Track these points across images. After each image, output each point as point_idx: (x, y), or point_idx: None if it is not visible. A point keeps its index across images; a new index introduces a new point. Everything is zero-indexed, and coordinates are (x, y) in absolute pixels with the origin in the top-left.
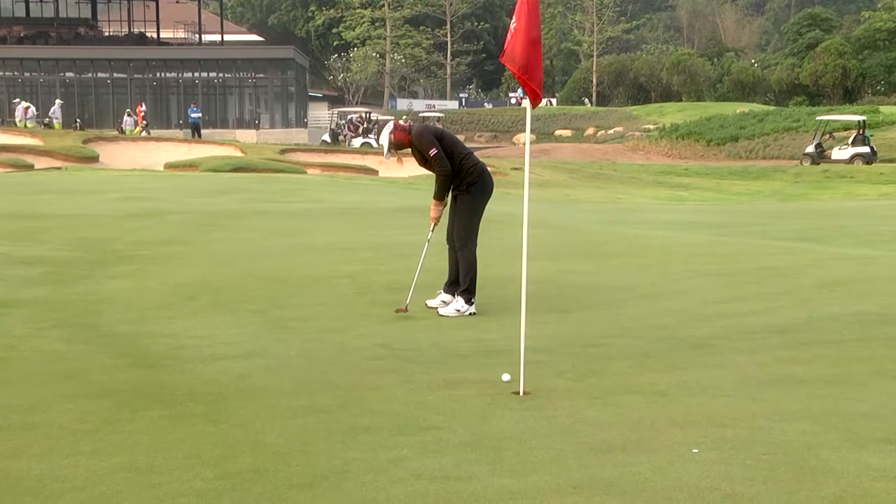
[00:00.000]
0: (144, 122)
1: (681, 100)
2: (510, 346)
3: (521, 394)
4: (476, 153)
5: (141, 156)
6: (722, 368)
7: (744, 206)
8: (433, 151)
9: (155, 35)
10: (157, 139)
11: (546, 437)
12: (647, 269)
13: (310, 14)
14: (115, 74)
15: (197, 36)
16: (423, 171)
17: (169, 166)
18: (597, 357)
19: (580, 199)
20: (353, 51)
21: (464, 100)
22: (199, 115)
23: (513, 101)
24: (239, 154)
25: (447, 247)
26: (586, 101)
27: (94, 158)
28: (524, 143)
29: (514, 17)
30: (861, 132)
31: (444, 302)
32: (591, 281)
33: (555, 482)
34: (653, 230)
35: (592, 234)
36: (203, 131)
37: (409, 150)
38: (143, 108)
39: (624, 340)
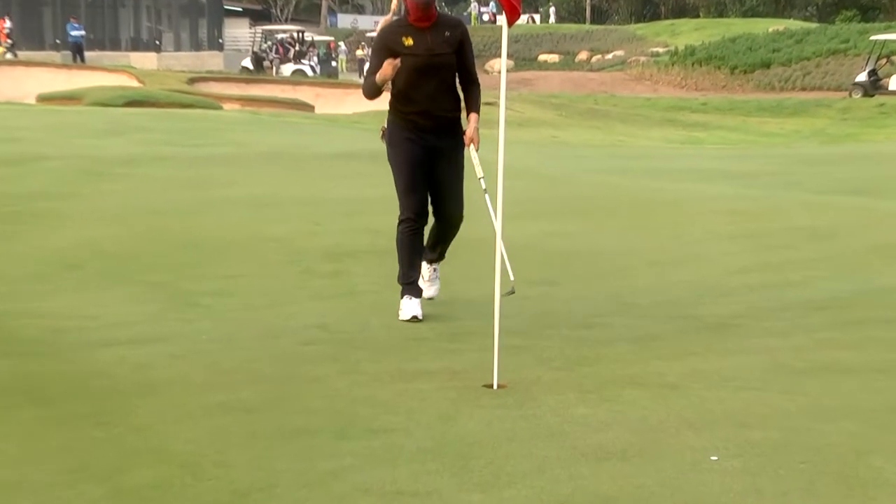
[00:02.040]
0: (9, 41)
1: (698, 15)
2: (482, 327)
3: (496, 387)
4: None
5: (5, 85)
6: (747, 354)
7: (777, 151)
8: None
9: None
10: (26, 63)
11: (526, 441)
12: (653, 230)
13: None
14: None
15: None
16: (371, 107)
17: (43, 99)
18: (590, 341)
19: (570, 143)
20: None
21: None
22: (82, 33)
23: (484, 17)
24: (135, 84)
25: (414, 223)
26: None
27: None
28: (499, 72)
29: None
30: None
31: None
32: (583, 245)
33: (536, 498)
34: (661, 181)
35: (585, 186)
36: (87, 54)
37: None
38: (7, 23)
39: (624, 320)
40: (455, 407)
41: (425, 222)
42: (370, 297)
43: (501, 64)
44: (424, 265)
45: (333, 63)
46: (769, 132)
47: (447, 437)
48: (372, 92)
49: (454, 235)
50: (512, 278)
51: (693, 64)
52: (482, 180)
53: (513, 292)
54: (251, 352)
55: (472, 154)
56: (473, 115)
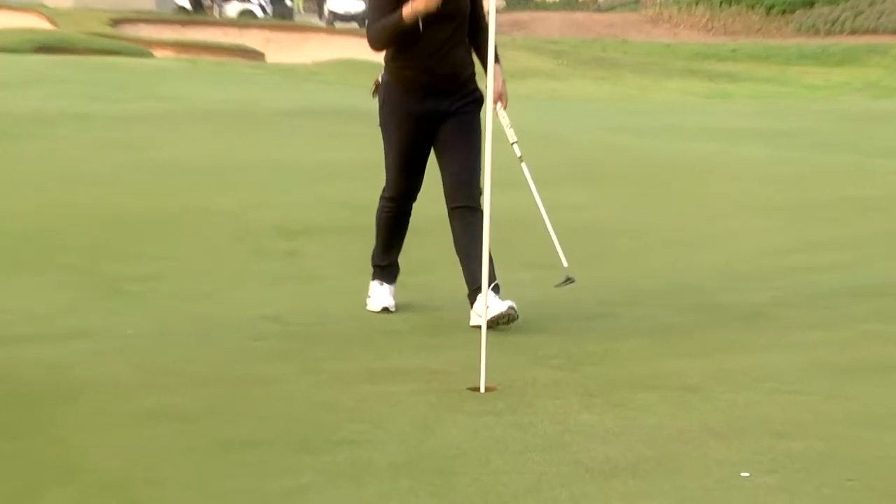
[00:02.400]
0: None
1: None
2: (466, 319)
3: (483, 390)
4: None
5: None
6: (784, 351)
7: (820, 106)
8: None
9: None
10: None
11: (519, 454)
12: (671, 201)
13: None
14: None
15: None
16: (334, 55)
17: None
18: (596, 335)
19: (573, 97)
20: None
21: None
22: None
23: None
24: (46, 26)
25: (398, 210)
26: None
27: None
28: (487, 12)
29: None
30: None
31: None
32: (587, 220)
33: None
34: (681, 143)
35: (590, 148)
36: None
37: None
38: None
39: (637, 310)
40: (434, 413)
41: (412, 203)
42: (332, 283)
43: (490, 2)
44: (492, 296)
45: (288, 2)
46: (811, 84)
47: (425, 450)
48: (391, 36)
49: (481, 231)
50: (565, 264)
51: (721, 3)
52: (516, 146)
53: (571, 280)
54: (189, 349)
55: (500, 115)
56: (497, 68)
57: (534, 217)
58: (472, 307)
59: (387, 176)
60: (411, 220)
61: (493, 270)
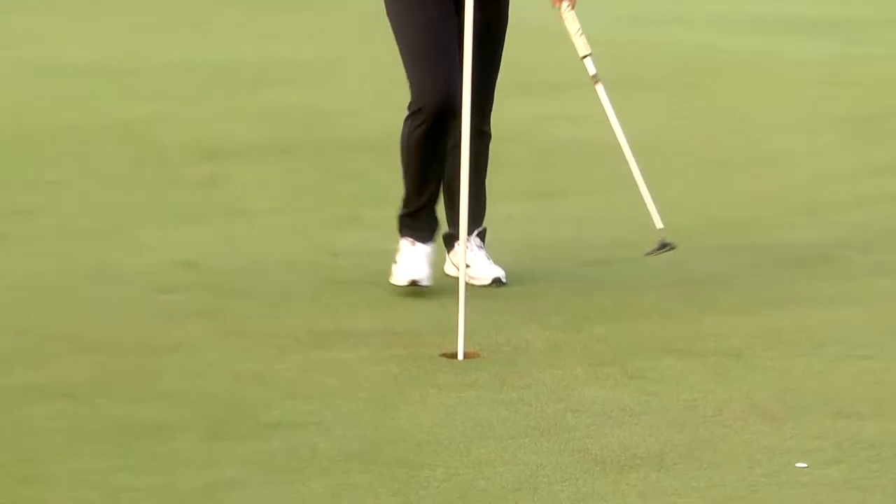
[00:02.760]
0: None
1: None
2: (440, 265)
3: (461, 357)
4: None
5: None
6: (852, 305)
7: None
8: None
9: None
10: None
11: (508, 441)
12: (709, 112)
13: None
14: None
15: None
16: None
17: None
18: (608, 285)
19: None
20: None
21: None
22: None
23: None
24: None
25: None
26: None
27: None
28: None
29: None
30: None
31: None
32: (599, 136)
33: None
34: (721, 35)
35: (603, 42)
36: None
37: None
38: None
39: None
40: (397, 388)
41: (449, 116)
42: (266, 219)
43: None
44: (476, 250)
45: None
46: None
47: (385, 435)
48: None
49: (485, 161)
50: (660, 225)
51: None
52: (588, 61)
53: (668, 247)
54: (76, 304)
55: (566, 17)
56: None
57: (529, 131)
58: (448, 252)
59: (409, 81)
60: (366, 134)
61: (483, 208)
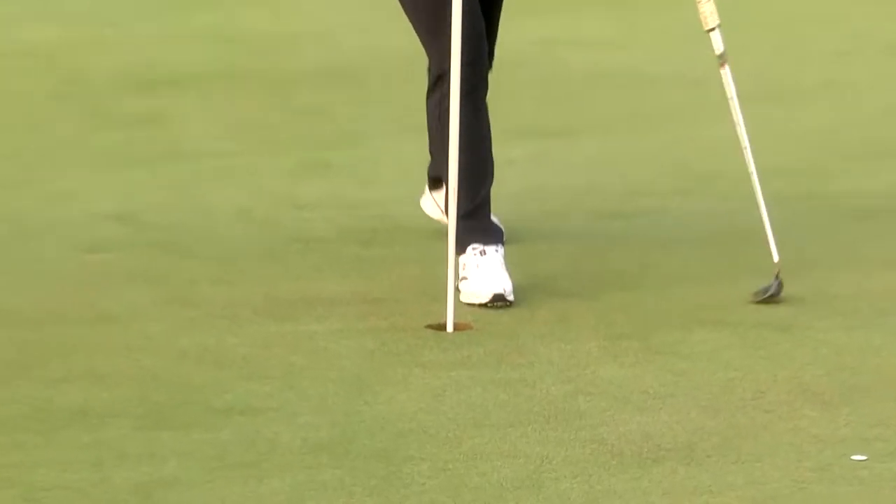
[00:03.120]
0: None
1: None
2: (424, 221)
3: (451, 329)
4: None
5: None
6: None
7: None
8: None
9: None
10: None
11: (507, 429)
12: (751, 35)
13: None
14: None
15: None
16: None
17: None
18: (629, 243)
19: None
20: None
21: None
22: None
23: None
24: None
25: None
26: None
27: None
28: None
29: None
30: None
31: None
32: (618, 64)
33: None
34: None
35: None
36: None
37: None
38: None
39: (693, 202)
40: (375, 367)
41: (482, 77)
42: (214, 163)
43: None
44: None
45: None
46: None
47: (360, 423)
48: None
49: (484, 114)
50: (776, 258)
51: None
52: (715, 33)
53: (774, 292)
54: None
55: None
56: None
57: (537, 57)
58: (428, 189)
59: (425, 48)
60: (334, 62)
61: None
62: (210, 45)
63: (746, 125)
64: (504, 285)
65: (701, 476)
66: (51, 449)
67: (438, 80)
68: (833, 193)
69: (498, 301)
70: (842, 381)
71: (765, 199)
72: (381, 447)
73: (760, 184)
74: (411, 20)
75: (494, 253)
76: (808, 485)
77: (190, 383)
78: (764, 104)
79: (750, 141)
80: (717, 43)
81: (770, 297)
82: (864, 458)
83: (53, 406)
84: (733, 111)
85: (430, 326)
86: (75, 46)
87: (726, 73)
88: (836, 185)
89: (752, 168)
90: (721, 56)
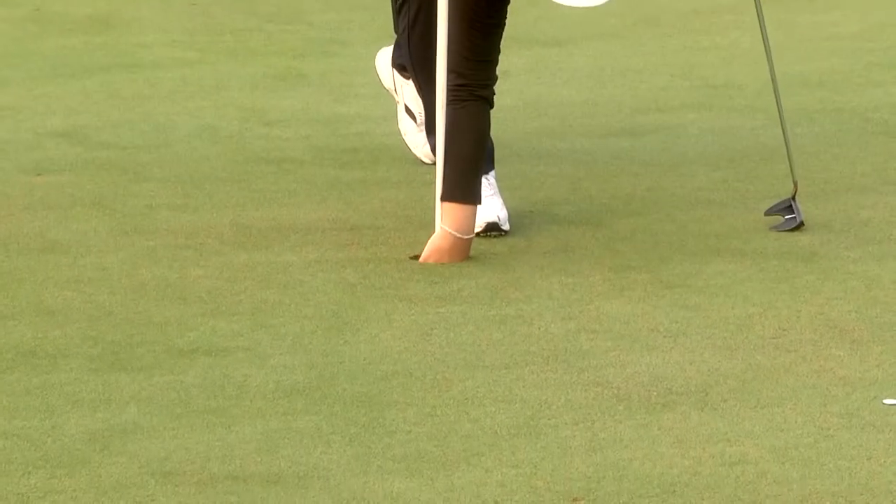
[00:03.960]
0: None
1: None
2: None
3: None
4: None
5: None
6: None
7: None
8: None
9: None
10: None
11: (504, 371)
12: None
13: None
14: None
15: None
16: None
17: None
18: (635, 163)
19: None
20: None
21: None
22: None
23: None
24: None
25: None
26: None
27: None
28: None
29: None
30: None
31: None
32: None
33: (527, 488)
34: None
35: None
36: None
37: None
38: None
39: (704, 118)
40: (355, 301)
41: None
42: (173, 73)
43: None
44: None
45: None
46: None
47: (338, 365)
48: None
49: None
50: (794, 180)
51: None
52: None
53: (793, 217)
54: None
55: None
56: None
57: None
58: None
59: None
60: None
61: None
62: None
63: (769, 30)
64: (498, 213)
65: (716, 422)
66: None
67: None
68: (863, 107)
69: (492, 230)
70: (872, 317)
71: (787, 114)
72: (362, 391)
73: (783, 96)
74: None
75: (485, 179)
76: (834, 431)
77: (149, 320)
78: (789, 5)
79: (773, 48)
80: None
81: (792, 227)
82: (895, 402)
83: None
84: (757, 12)
85: (415, 257)
86: None
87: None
88: (867, 98)
89: (774, 78)
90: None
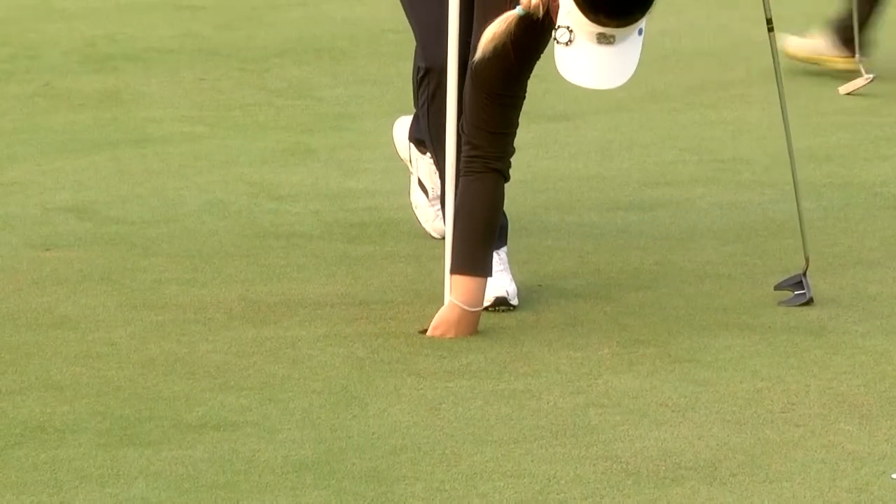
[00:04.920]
0: None
1: None
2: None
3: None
4: None
5: None
6: None
7: None
8: None
9: None
10: None
11: (512, 446)
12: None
13: None
14: None
15: None
16: None
17: None
18: (645, 237)
19: None
20: None
21: None
22: None
23: None
24: None
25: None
26: None
27: None
28: None
29: None
30: None
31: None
32: None
33: None
34: None
35: None
36: None
37: None
38: None
39: (713, 192)
40: (363, 377)
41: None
42: (182, 148)
43: None
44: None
45: None
46: None
47: (347, 439)
48: None
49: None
50: (806, 255)
51: None
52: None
53: (803, 297)
54: None
55: None
56: None
57: None
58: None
59: (417, 40)
60: (319, 30)
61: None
62: (176, 15)
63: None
64: (507, 287)
65: (725, 497)
66: (3, 469)
67: (423, 77)
68: (871, 181)
69: (500, 304)
70: (881, 391)
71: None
72: (370, 466)
73: (788, 167)
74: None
75: (496, 254)
76: None
77: (158, 395)
78: (794, 79)
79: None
80: (768, 5)
81: (801, 303)
82: None
83: (7, 420)
84: (777, 83)
85: (424, 331)
86: (23, 18)
87: (773, 40)
88: (874, 172)
89: (791, 152)
90: (770, 21)
